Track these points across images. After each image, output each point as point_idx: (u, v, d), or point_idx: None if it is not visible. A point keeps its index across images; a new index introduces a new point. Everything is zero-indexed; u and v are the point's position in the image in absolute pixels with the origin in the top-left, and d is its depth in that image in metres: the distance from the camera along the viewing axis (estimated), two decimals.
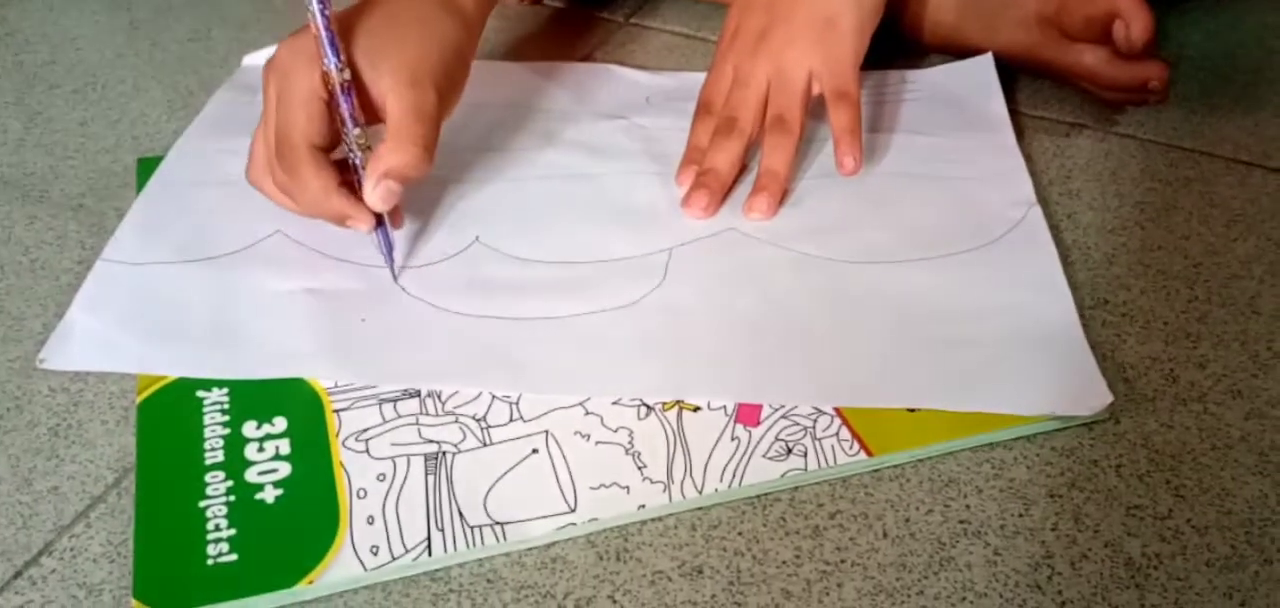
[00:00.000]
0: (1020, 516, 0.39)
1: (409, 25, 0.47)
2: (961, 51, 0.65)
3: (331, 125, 0.46)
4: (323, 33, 0.43)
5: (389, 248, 0.48)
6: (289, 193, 0.48)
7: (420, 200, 0.54)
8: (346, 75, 0.45)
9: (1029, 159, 0.58)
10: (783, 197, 0.53)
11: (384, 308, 0.48)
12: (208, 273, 0.50)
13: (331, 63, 0.44)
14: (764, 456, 0.41)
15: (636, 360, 0.45)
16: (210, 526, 0.39)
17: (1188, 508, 0.40)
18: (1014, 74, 0.64)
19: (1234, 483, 0.41)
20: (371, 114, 0.47)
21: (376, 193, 0.46)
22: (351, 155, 0.47)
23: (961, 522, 0.39)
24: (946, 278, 0.49)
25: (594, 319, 0.47)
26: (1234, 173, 0.57)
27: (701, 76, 0.59)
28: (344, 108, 0.45)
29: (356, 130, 0.46)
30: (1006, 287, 0.48)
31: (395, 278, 0.49)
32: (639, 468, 0.41)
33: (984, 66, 0.63)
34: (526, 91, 0.63)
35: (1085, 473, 0.41)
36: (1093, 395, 0.43)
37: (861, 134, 0.54)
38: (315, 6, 0.43)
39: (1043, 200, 0.54)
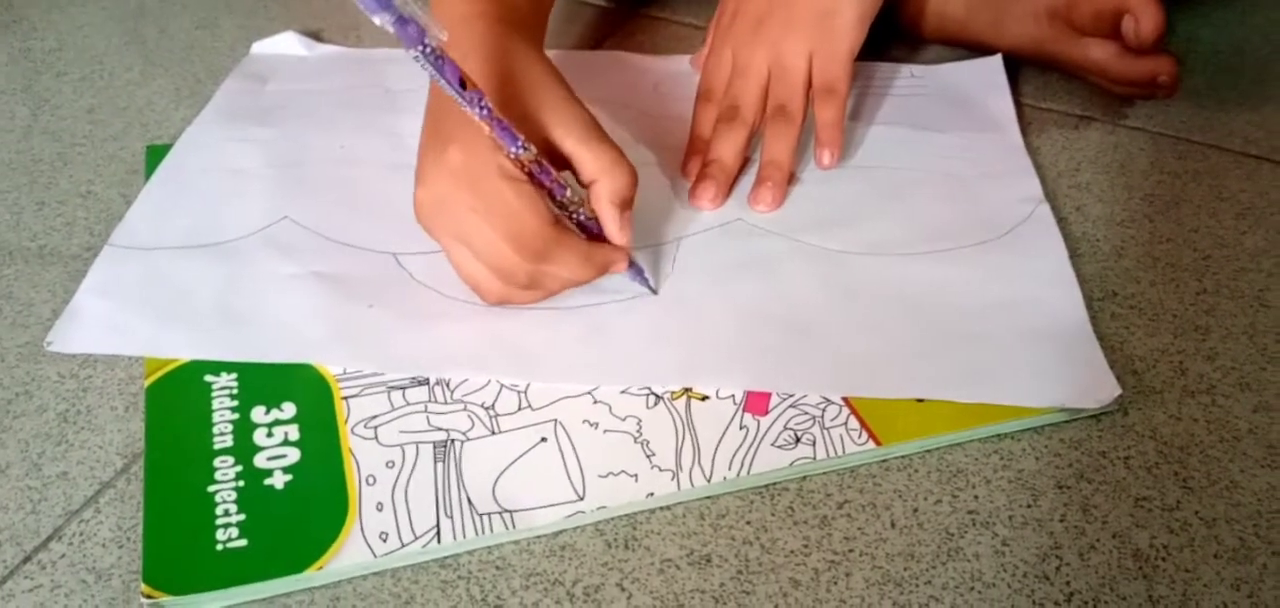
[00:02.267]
0: (1028, 506, 0.39)
1: (532, 80, 0.45)
2: (969, 45, 0.65)
3: (546, 199, 0.44)
4: (499, 126, 0.41)
5: (641, 270, 0.48)
6: (544, 283, 0.45)
7: None
8: (532, 149, 0.42)
9: (1037, 152, 0.58)
10: (787, 186, 0.53)
11: (392, 295, 0.48)
12: (216, 257, 0.50)
13: (516, 148, 0.42)
14: (772, 444, 0.41)
15: (645, 350, 0.45)
16: (219, 511, 0.39)
17: (1196, 500, 0.40)
18: (1022, 66, 0.64)
19: (1242, 475, 0.40)
20: (557, 166, 0.45)
21: (626, 229, 0.45)
22: (573, 215, 0.45)
23: (970, 512, 0.39)
24: (955, 271, 0.49)
25: (602, 309, 0.47)
26: (1243, 166, 0.57)
27: None
28: (547, 179, 0.43)
29: (569, 191, 0.44)
30: (1015, 280, 0.48)
31: (655, 291, 0.48)
32: (647, 456, 0.41)
33: (993, 67, 0.63)
34: None
35: (1094, 464, 0.41)
36: (1101, 388, 0.43)
37: (843, 129, 0.55)
38: (479, 111, 0.41)
39: (1051, 193, 0.54)
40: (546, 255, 0.43)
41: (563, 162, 0.45)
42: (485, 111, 0.41)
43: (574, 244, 0.44)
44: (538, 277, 0.44)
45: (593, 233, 0.46)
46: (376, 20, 0.37)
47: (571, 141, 0.45)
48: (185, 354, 0.45)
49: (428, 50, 0.38)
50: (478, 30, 0.46)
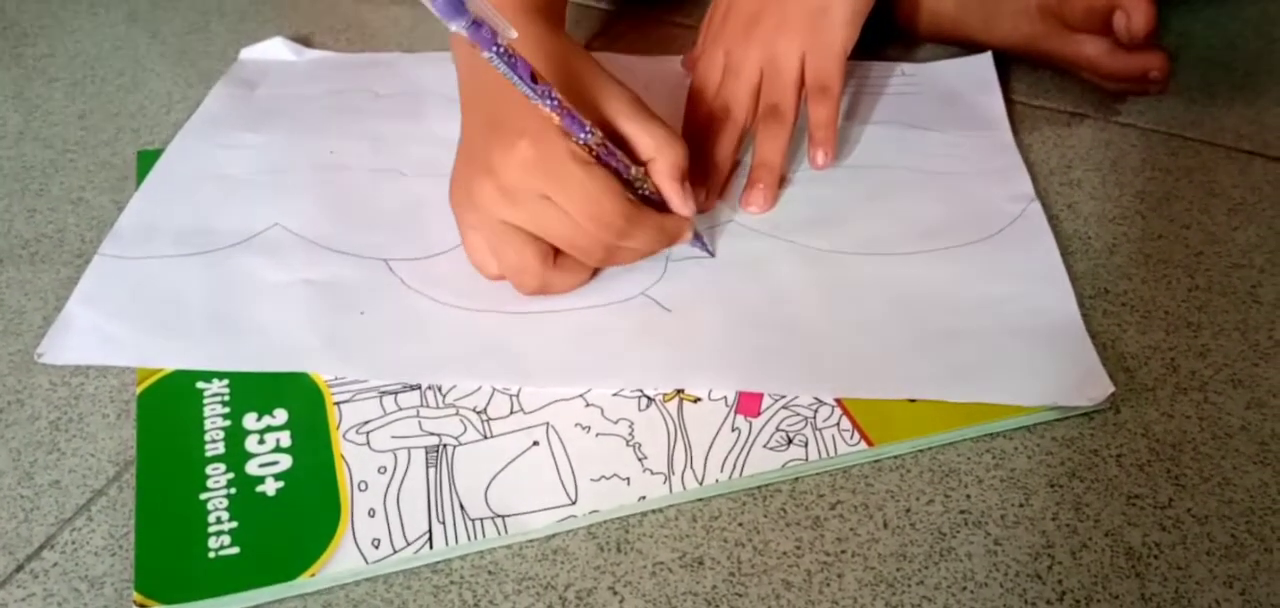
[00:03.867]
0: (1021, 506, 0.39)
1: (577, 68, 0.47)
2: (961, 43, 0.65)
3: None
4: (569, 116, 0.43)
5: (699, 237, 0.50)
6: (619, 256, 0.47)
7: (416, 195, 0.54)
8: (598, 134, 0.44)
9: (1029, 149, 0.58)
10: (779, 187, 0.53)
11: (382, 301, 0.48)
12: (206, 265, 0.50)
13: (584, 135, 0.44)
14: (764, 446, 0.41)
15: (637, 352, 0.45)
16: (211, 518, 0.39)
17: (1188, 497, 0.40)
18: (1014, 63, 0.64)
19: (1234, 472, 0.41)
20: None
21: (687, 199, 0.47)
22: (639, 191, 0.47)
23: (962, 512, 0.39)
24: (947, 270, 0.49)
25: (594, 312, 0.47)
26: (1235, 162, 0.57)
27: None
28: (614, 161, 0.45)
29: (634, 169, 0.46)
30: (1006, 278, 0.48)
31: (712, 252, 0.50)
32: (639, 459, 0.41)
33: (984, 65, 0.63)
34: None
35: (1086, 463, 0.41)
36: (1094, 386, 0.43)
37: (837, 129, 0.55)
38: (550, 103, 0.42)
39: (1043, 190, 0.54)
40: (627, 231, 0.45)
41: (618, 142, 0.46)
42: (555, 103, 0.42)
43: (651, 217, 0.46)
44: (613, 253, 0.46)
45: (655, 205, 0.48)
46: (453, 26, 0.38)
47: (625, 121, 0.46)
48: (176, 364, 0.45)
49: (501, 50, 0.40)
50: (522, 26, 0.47)
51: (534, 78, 0.42)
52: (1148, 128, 0.60)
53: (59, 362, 0.46)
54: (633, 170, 0.46)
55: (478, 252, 0.47)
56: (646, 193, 0.47)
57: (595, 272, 0.48)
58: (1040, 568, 0.37)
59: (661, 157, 0.46)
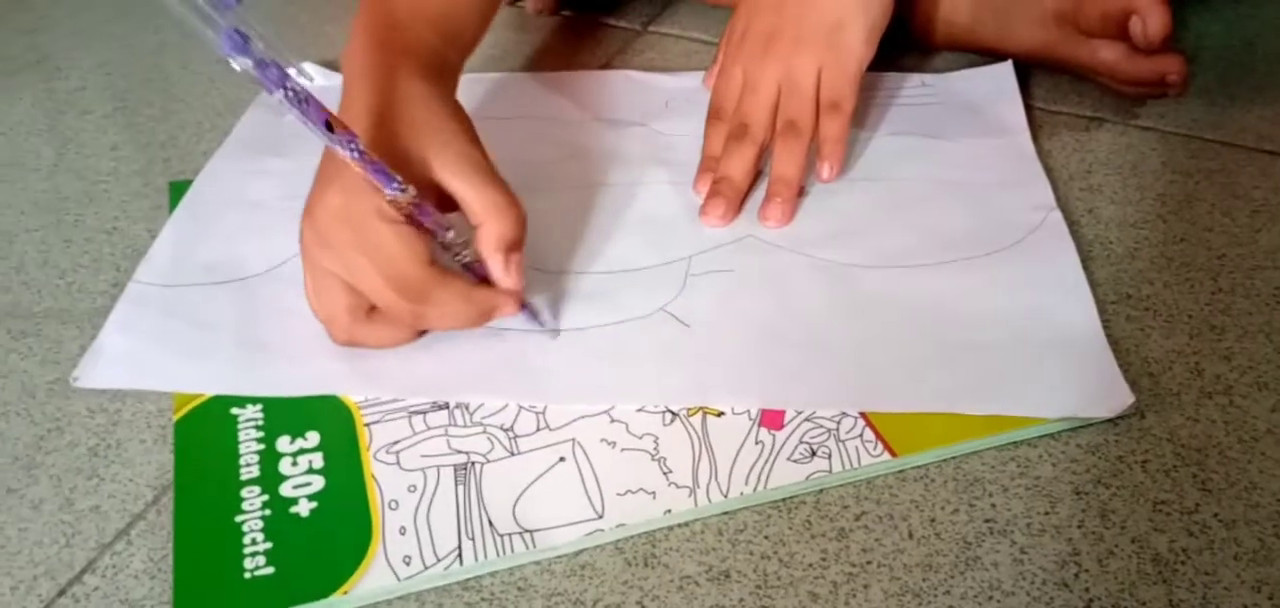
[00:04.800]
0: (1046, 514, 0.40)
1: (421, 117, 0.45)
2: (976, 51, 0.65)
3: (427, 241, 0.44)
4: (373, 168, 0.41)
5: (536, 314, 0.48)
6: (419, 322, 0.45)
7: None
8: (412, 191, 0.42)
9: (1049, 155, 0.58)
10: (796, 202, 0.54)
11: None
12: (237, 292, 0.51)
13: (393, 190, 0.41)
14: (788, 459, 0.42)
15: (659, 368, 0.46)
16: (247, 540, 0.40)
17: (1215, 502, 0.40)
18: (1032, 70, 0.64)
19: (1261, 476, 0.40)
20: (443, 210, 0.45)
21: (511, 272, 0.45)
22: (457, 258, 0.45)
23: (987, 521, 0.39)
24: (967, 282, 0.49)
25: (614, 329, 0.47)
26: (1256, 163, 0.57)
27: None
28: (428, 221, 0.43)
29: (451, 233, 0.44)
30: (1027, 289, 0.48)
31: (555, 335, 0.47)
32: (665, 474, 0.41)
33: (1004, 74, 0.63)
34: (544, 103, 0.64)
35: (1111, 469, 0.41)
36: (1114, 397, 0.43)
37: (846, 144, 0.55)
38: (349, 153, 0.40)
39: (1063, 196, 0.54)
40: (425, 297, 0.43)
41: (453, 203, 0.45)
42: (356, 153, 0.40)
43: (454, 286, 0.44)
44: (417, 317, 0.44)
45: (482, 275, 0.46)
46: (236, 65, 0.36)
47: (459, 183, 0.44)
48: (209, 390, 0.46)
49: (290, 93, 0.37)
50: (372, 63, 0.46)
51: (330, 126, 0.39)
52: (1168, 131, 0.59)
53: (94, 386, 0.47)
54: (452, 234, 0.44)
55: (308, 287, 0.45)
56: (470, 261, 0.45)
57: (420, 334, 0.46)
58: (1067, 576, 0.37)
59: (489, 223, 0.44)
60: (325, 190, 0.43)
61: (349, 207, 0.42)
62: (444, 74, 0.50)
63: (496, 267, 0.45)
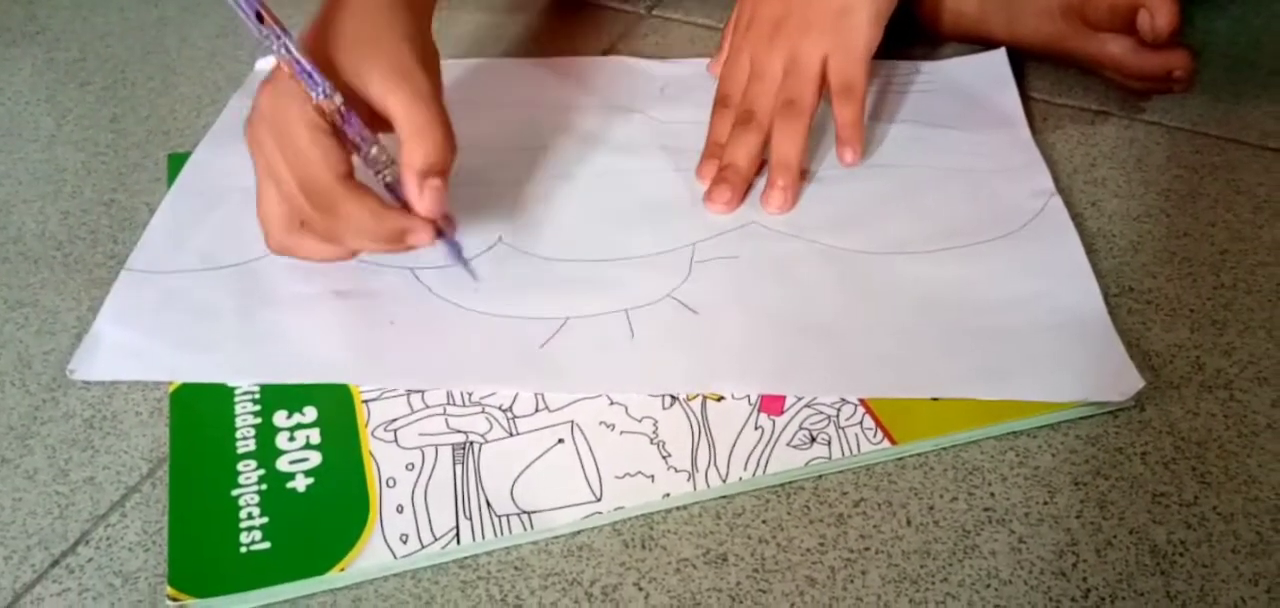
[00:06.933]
0: (1045, 503, 0.40)
1: (370, 26, 0.44)
2: (984, 42, 0.65)
3: (346, 152, 0.44)
4: (299, 68, 0.41)
5: (458, 250, 0.47)
6: (334, 236, 0.45)
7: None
8: (339, 98, 0.42)
9: (1053, 147, 0.58)
10: (798, 186, 0.54)
11: (410, 309, 0.48)
12: (233, 279, 0.50)
13: (320, 92, 0.41)
14: (788, 444, 0.41)
15: (661, 356, 0.45)
16: (243, 514, 0.40)
17: (1213, 495, 0.40)
18: (1037, 62, 0.64)
19: (1260, 470, 0.40)
20: (375, 127, 0.45)
21: (426, 197, 0.43)
22: (379, 176, 0.45)
23: (986, 509, 0.39)
24: (970, 268, 0.49)
25: (619, 317, 0.47)
26: (1260, 159, 0.57)
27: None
28: (351, 131, 0.43)
29: (374, 149, 0.44)
30: (1031, 275, 0.48)
31: (475, 276, 0.47)
32: (664, 457, 0.41)
33: (998, 60, 0.63)
34: (544, 90, 0.64)
35: (1110, 460, 0.41)
36: (1124, 381, 0.43)
37: (864, 127, 0.55)
38: (284, 48, 0.40)
39: (1067, 188, 0.54)
40: (334, 209, 0.43)
41: (384, 121, 0.45)
42: (284, 51, 0.40)
43: (365, 202, 0.43)
44: (330, 230, 0.44)
45: (402, 199, 0.45)
46: None
47: (390, 98, 0.43)
48: (207, 378, 0.45)
49: None
50: None
51: (260, 17, 0.39)
52: (1172, 125, 0.59)
53: (90, 378, 0.46)
54: (375, 151, 0.44)
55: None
56: (390, 182, 0.44)
57: (353, 254, 0.46)
58: (1065, 566, 0.37)
59: (411, 143, 0.43)
60: (262, 92, 0.43)
61: (277, 109, 0.42)
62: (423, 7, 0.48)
63: (411, 187, 0.44)
